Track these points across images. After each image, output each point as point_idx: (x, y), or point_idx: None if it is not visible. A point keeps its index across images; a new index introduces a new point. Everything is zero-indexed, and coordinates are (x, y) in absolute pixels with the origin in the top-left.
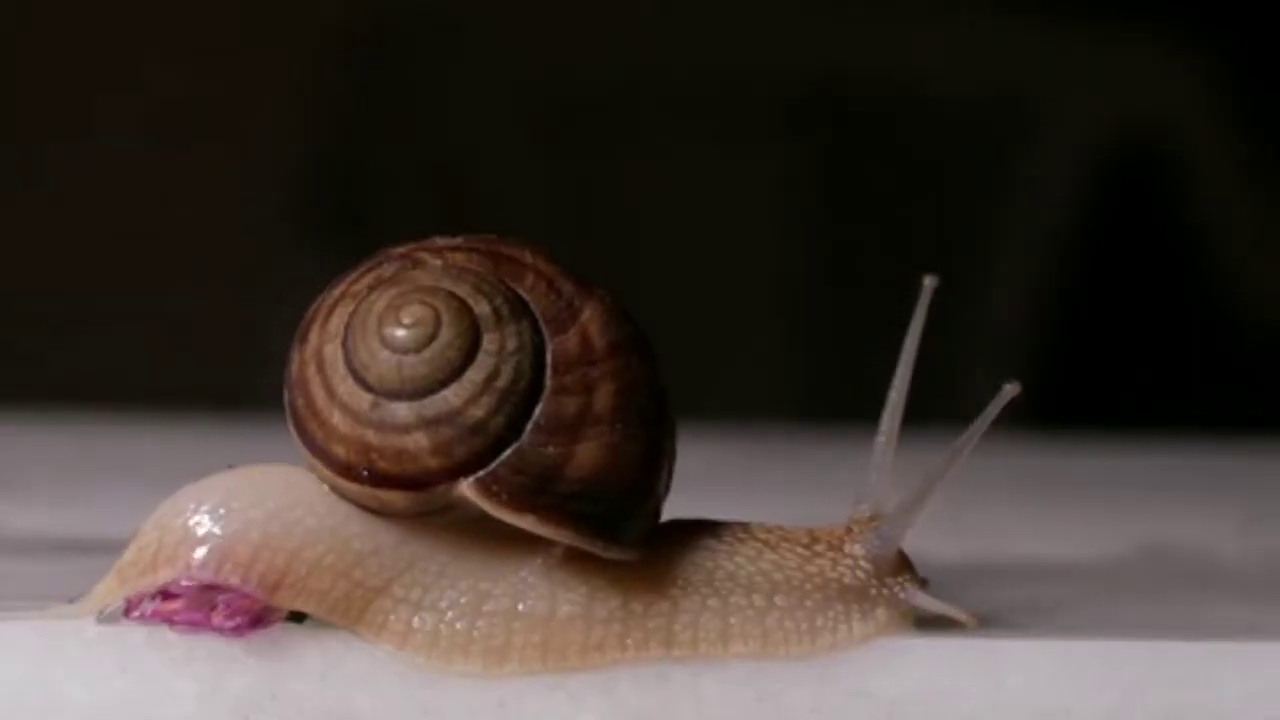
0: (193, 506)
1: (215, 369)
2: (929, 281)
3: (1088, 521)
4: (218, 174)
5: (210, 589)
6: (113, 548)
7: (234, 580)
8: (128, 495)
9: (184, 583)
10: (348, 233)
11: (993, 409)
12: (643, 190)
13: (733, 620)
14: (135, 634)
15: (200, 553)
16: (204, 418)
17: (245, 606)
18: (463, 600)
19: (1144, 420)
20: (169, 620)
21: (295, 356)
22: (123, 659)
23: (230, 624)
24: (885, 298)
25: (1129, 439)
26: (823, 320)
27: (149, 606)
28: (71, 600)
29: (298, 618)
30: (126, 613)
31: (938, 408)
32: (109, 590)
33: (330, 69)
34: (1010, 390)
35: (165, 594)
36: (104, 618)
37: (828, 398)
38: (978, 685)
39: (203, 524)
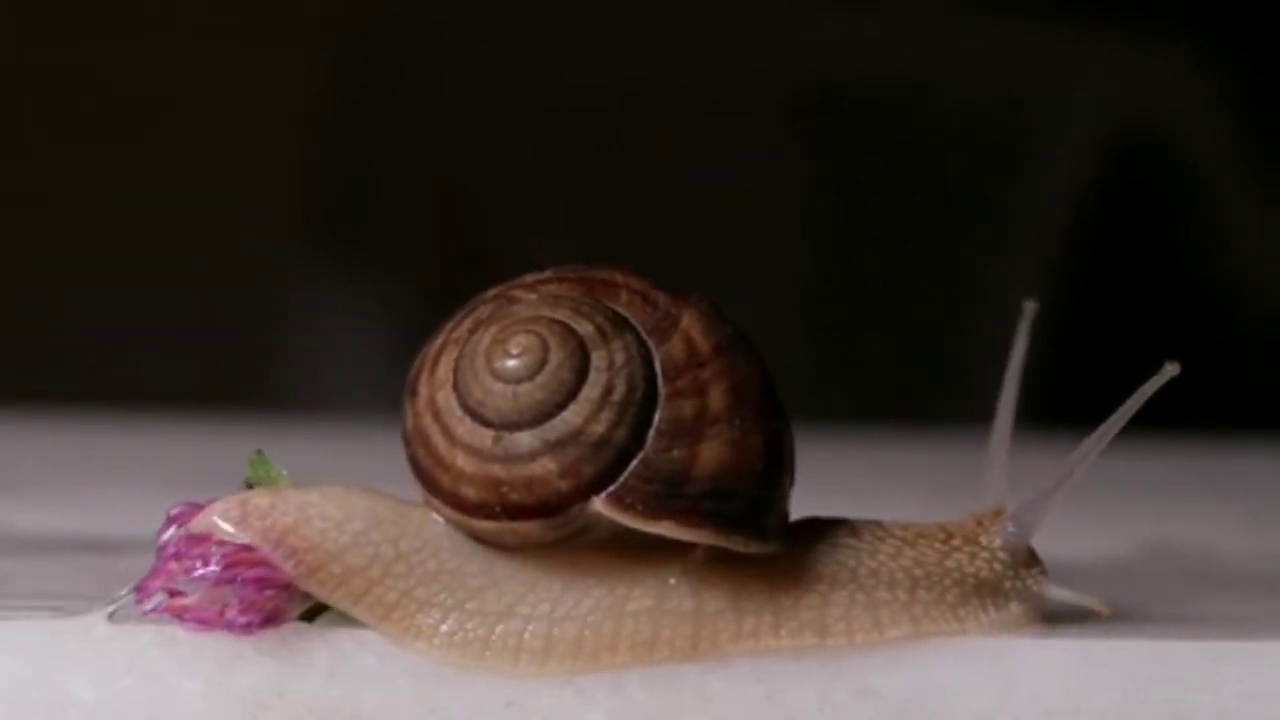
0: (339, 517)
1: (218, 369)
2: (1030, 305)
3: (1091, 521)
4: (220, 174)
5: (225, 584)
6: (115, 548)
7: (344, 604)
8: (130, 495)
9: (204, 571)
10: (351, 233)
11: (1149, 387)
12: (647, 192)
13: (882, 612)
14: (142, 632)
15: (320, 569)
16: (206, 418)
17: (259, 604)
18: (604, 604)
19: (1146, 419)
20: (178, 616)
21: (408, 411)
22: (129, 657)
23: (243, 620)
24: (890, 297)
25: (1131, 438)
26: (827, 319)
27: (160, 600)
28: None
29: (308, 616)
30: (138, 599)
31: (946, 406)
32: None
33: (337, 72)
34: (1170, 370)
35: (174, 590)
36: (113, 617)
37: (832, 395)
38: (985, 684)
39: (337, 542)
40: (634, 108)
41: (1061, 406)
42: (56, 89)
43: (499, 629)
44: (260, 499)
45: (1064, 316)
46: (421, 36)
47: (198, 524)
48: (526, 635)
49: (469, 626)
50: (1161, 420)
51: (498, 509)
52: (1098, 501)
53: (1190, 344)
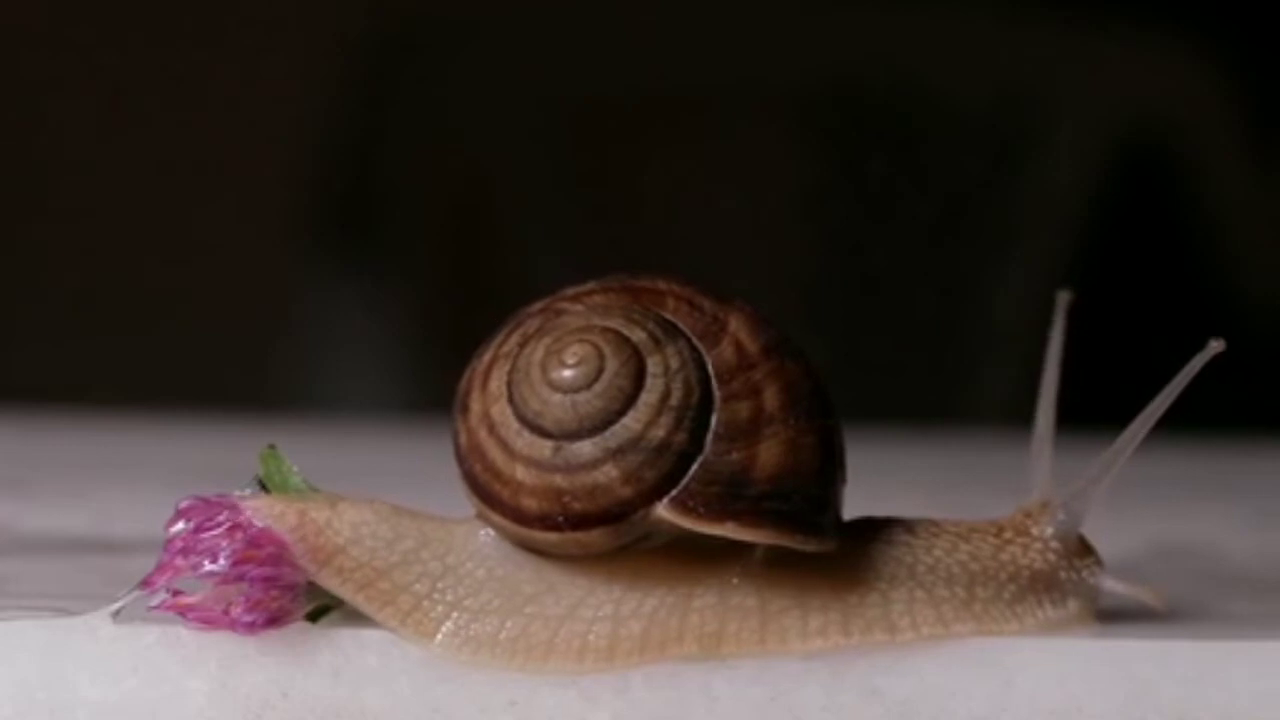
0: (390, 537)
1: (222, 369)
2: (1064, 296)
3: (1097, 520)
4: (224, 174)
5: (232, 582)
6: (120, 547)
7: (391, 623)
8: (135, 495)
9: (212, 567)
10: (355, 233)
11: (1194, 365)
12: (651, 193)
13: (944, 608)
14: (147, 632)
15: (368, 586)
16: (211, 418)
17: (265, 603)
18: (668, 601)
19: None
20: (183, 613)
21: (461, 428)
22: (134, 657)
23: (248, 619)
24: (891, 297)
25: None
26: (828, 319)
27: (165, 597)
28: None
29: (313, 617)
30: (145, 594)
31: (952, 406)
32: (280, 505)
33: (341, 73)
34: (1215, 346)
35: (177, 590)
36: (118, 616)
37: (840, 395)
38: (988, 684)
39: (387, 560)
40: (638, 109)
41: (1061, 406)
42: (57, 89)
43: (563, 631)
44: (318, 513)
45: (1072, 315)
46: (426, 37)
47: (249, 511)
48: (591, 636)
49: (532, 630)
50: (1167, 420)
51: (560, 519)
52: (1105, 500)
53: (1194, 344)
